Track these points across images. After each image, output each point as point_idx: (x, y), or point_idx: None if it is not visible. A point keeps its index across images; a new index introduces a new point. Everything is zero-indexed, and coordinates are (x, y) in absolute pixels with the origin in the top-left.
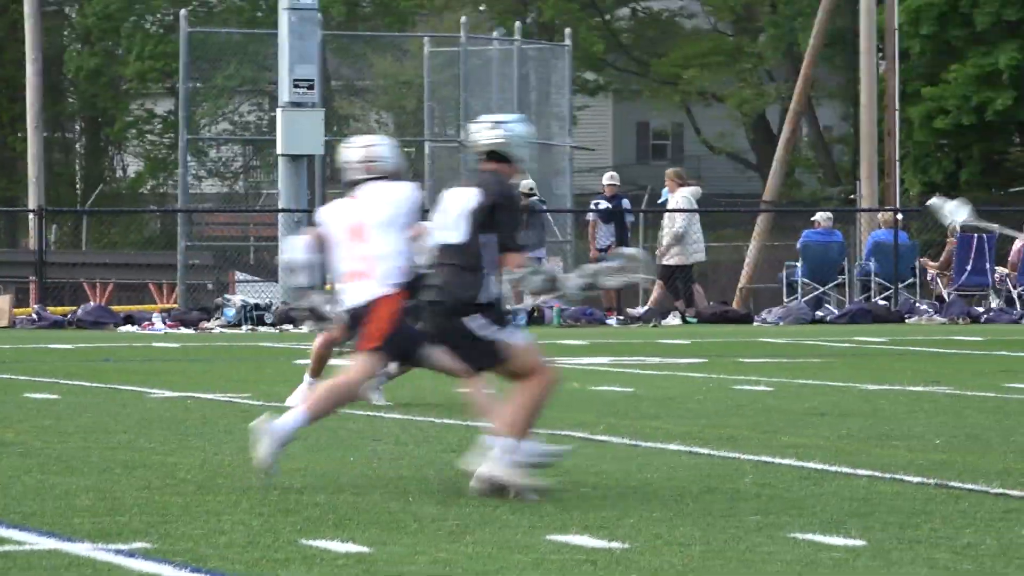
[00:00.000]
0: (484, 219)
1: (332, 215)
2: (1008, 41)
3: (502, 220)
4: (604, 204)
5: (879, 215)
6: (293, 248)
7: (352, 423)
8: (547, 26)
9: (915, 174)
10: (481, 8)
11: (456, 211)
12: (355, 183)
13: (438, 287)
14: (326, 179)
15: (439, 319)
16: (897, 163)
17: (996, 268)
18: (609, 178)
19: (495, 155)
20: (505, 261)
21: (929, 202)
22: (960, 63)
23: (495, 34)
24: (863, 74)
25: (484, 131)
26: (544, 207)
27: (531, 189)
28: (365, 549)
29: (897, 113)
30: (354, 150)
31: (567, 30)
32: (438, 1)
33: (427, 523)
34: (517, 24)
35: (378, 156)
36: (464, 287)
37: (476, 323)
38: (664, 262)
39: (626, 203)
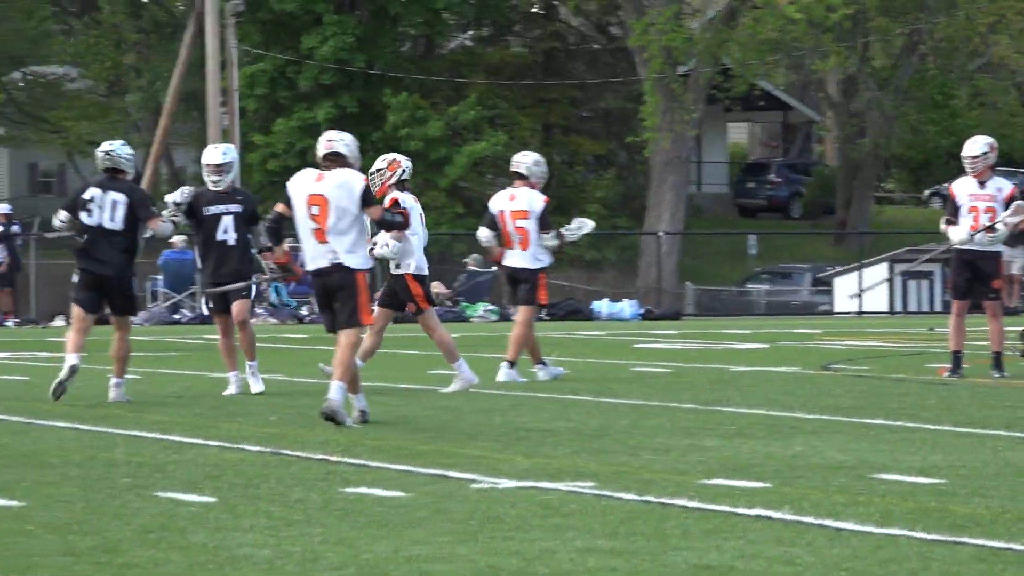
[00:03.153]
0: None
1: None
2: (325, 100)
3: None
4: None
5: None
6: None
7: None
8: None
9: None
10: None
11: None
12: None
13: None
14: None
15: None
16: None
17: None
18: (1, 208)
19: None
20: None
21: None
22: (286, 117)
23: None
24: (210, 126)
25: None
26: None
27: None
28: None
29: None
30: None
31: None
32: None
33: None
34: None
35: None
36: None
37: None
38: None
39: (16, 228)
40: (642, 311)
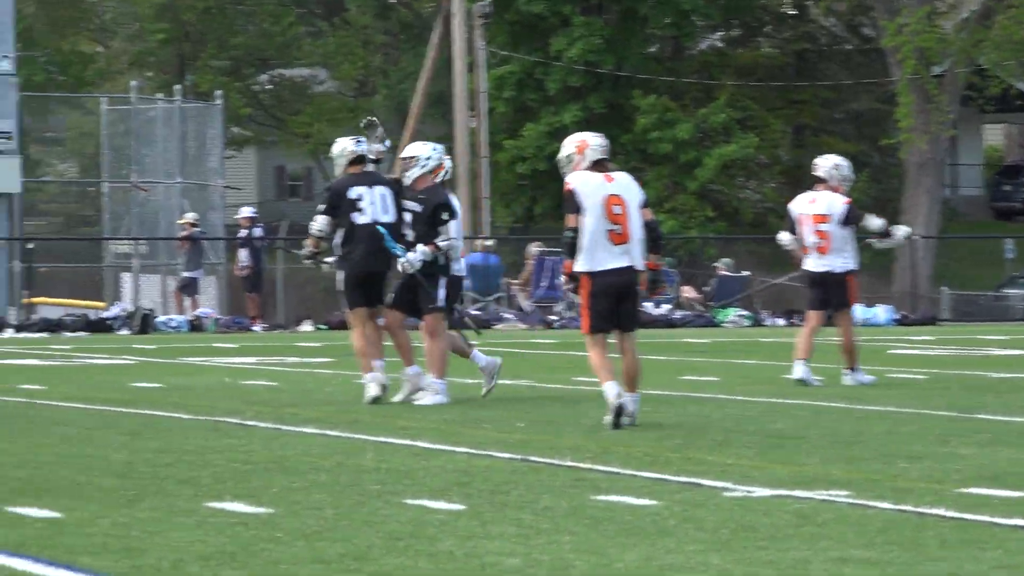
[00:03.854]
0: None
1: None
2: (573, 102)
3: None
4: (244, 232)
5: (476, 241)
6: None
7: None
8: (201, 90)
9: (502, 207)
10: (149, 74)
11: None
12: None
13: None
14: (23, 211)
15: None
16: (486, 199)
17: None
18: (246, 211)
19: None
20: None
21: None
22: (534, 121)
23: (159, 95)
24: (457, 128)
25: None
26: (203, 234)
27: (195, 220)
28: (57, 514)
29: (486, 159)
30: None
31: (218, 92)
32: (114, 67)
33: (109, 492)
34: (177, 87)
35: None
36: None
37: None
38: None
39: (258, 231)
40: (897, 316)
